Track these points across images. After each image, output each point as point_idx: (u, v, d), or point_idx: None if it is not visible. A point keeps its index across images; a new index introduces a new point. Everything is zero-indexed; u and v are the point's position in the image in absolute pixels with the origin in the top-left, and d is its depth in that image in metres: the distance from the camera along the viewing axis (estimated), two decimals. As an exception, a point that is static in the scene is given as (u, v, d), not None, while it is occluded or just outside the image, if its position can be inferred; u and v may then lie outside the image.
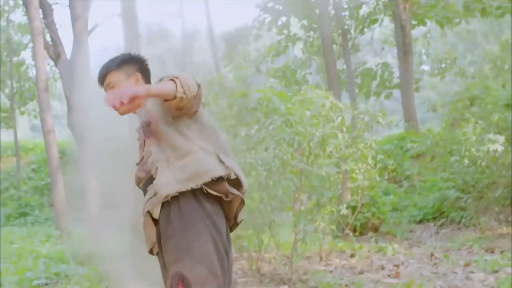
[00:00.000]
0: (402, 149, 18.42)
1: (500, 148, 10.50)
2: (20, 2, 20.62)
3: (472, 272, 7.60)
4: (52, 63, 19.19)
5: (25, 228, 19.67)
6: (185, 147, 3.15)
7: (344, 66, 20.20)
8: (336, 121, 8.90)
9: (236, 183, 3.27)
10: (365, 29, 22.00)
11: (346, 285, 7.29)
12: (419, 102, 29.43)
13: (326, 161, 8.57)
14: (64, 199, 13.91)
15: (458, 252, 9.53)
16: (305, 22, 22.41)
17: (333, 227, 9.73)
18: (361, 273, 8.12)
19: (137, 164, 3.39)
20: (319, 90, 9.40)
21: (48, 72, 19.48)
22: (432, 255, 9.21)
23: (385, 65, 23.07)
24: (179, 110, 3.07)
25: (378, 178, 10.10)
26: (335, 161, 9.02)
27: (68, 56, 12.40)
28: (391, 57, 36.20)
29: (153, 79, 3.56)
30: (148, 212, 3.20)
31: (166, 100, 3.01)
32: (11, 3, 23.91)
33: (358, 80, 22.71)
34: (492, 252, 9.18)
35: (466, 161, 11.35)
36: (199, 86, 3.09)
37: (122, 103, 2.89)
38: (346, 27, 20.58)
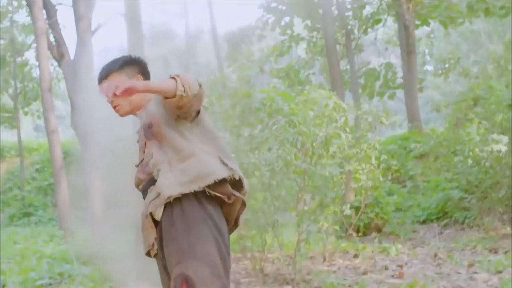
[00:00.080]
0: (406, 149, 18.39)
1: (503, 149, 10.48)
2: (24, 3, 20.67)
3: (475, 272, 7.59)
4: (55, 63, 19.21)
5: (29, 228, 19.69)
6: (188, 150, 3.15)
7: (348, 66, 20.17)
8: (339, 121, 8.90)
9: (237, 185, 3.27)
10: (369, 29, 21.99)
11: (349, 286, 7.29)
12: (422, 102, 29.38)
13: (329, 161, 8.57)
14: (68, 199, 13.92)
15: (461, 253, 9.52)
16: (308, 22, 22.39)
17: (337, 227, 9.72)
18: (364, 273, 8.11)
19: (137, 166, 3.39)
20: (323, 90, 9.41)
21: (51, 72, 19.51)
22: (435, 255, 9.21)
23: (389, 65, 23.04)
24: (179, 109, 3.06)
25: (381, 179, 10.10)
26: (339, 161, 9.02)
27: (72, 57, 12.43)
28: (395, 57, 36.16)
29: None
30: (150, 214, 3.20)
31: (166, 98, 3.01)
32: (15, 3, 23.94)
33: (362, 80, 22.68)
34: (495, 252, 9.17)
35: (469, 161, 11.33)
36: (200, 85, 3.08)
37: (114, 94, 2.89)
38: (349, 27, 20.56)
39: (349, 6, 21.59)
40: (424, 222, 13.58)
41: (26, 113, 26.36)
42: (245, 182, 3.31)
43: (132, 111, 3.43)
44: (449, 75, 27.82)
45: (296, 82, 23.23)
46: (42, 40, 13.77)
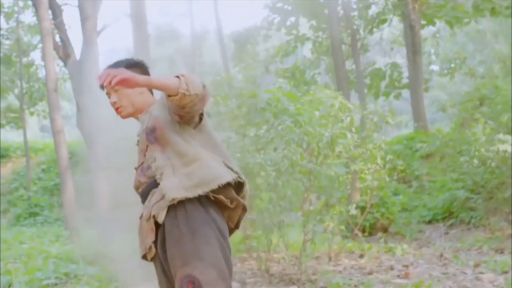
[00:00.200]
0: (412, 149, 18.38)
1: (509, 149, 10.46)
2: (30, 3, 20.71)
3: (481, 272, 7.58)
4: (61, 63, 19.24)
5: (35, 228, 19.74)
6: (192, 154, 3.15)
7: (353, 66, 20.16)
8: (345, 121, 8.89)
9: (238, 188, 3.28)
10: (374, 29, 21.96)
11: (355, 286, 7.29)
12: (428, 102, 29.35)
13: (335, 161, 8.57)
14: (74, 199, 13.93)
15: (467, 253, 9.51)
16: (314, 22, 22.39)
17: (342, 227, 9.72)
18: (370, 273, 8.11)
19: (136, 169, 3.39)
20: (328, 90, 9.40)
21: (57, 72, 19.52)
22: (441, 255, 9.20)
23: (394, 65, 23.00)
24: (182, 108, 3.06)
25: (387, 179, 10.09)
26: (344, 161, 9.02)
27: (78, 57, 12.44)
28: (400, 57, 36.13)
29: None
30: (153, 216, 3.19)
31: (169, 96, 3.00)
32: (21, 4, 24.00)
33: (367, 80, 22.65)
34: (501, 252, 9.16)
35: (475, 161, 11.32)
36: (204, 86, 3.08)
37: (109, 83, 2.89)
38: (355, 27, 20.54)
39: (354, 6, 21.57)
40: (430, 222, 13.57)
41: (32, 113, 26.39)
42: (247, 186, 3.33)
43: (134, 114, 3.42)
44: (455, 75, 27.78)
45: (302, 82, 23.21)
46: (48, 40, 13.79)
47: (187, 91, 2.96)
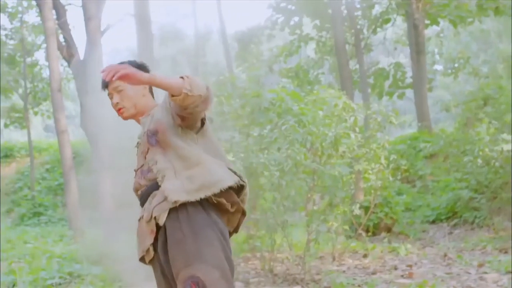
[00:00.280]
0: (415, 149, 18.37)
1: (513, 148, 10.47)
2: (34, 3, 20.72)
3: (485, 272, 7.58)
4: (65, 63, 19.26)
5: (39, 228, 19.76)
6: (194, 158, 3.16)
7: (357, 66, 20.18)
8: (349, 121, 8.89)
9: (237, 190, 3.29)
10: (378, 29, 21.94)
11: (359, 285, 7.29)
12: (432, 102, 29.29)
13: (339, 161, 8.57)
14: (78, 199, 13.95)
15: (471, 253, 9.50)
16: (317, 22, 22.40)
17: (346, 227, 9.72)
18: (374, 273, 8.11)
19: (135, 171, 3.39)
20: (332, 90, 9.39)
21: (61, 72, 19.55)
22: (445, 255, 9.19)
23: (398, 65, 23.00)
24: (184, 109, 3.06)
25: (391, 178, 10.09)
26: (348, 161, 9.02)
27: (81, 57, 12.46)
28: (404, 57, 36.09)
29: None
30: (154, 218, 3.19)
31: (172, 96, 3.01)
32: (25, 4, 24.04)
33: (371, 80, 22.65)
34: (506, 252, 9.15)
35: (479, 161, 11.32)
36: (207, 88, 3.08)
37: (112, 77, 2.89)
38: (358, 27, 20.55)
39: (358, 6, 21.58)
40: (433, 222, 13.55)
41: (36, 113, 26.42)
42: (247, 189, 3.34)
43: (136, 116, 3.42)
44: (459, 74, 27.75)
45: (306, 82, 23.21)
46: (52, 40, 13.81)
47: (190, 91, 2.96)
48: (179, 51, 38.17)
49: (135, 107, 3.39)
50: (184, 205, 3.09)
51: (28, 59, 24.83)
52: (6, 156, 26.86)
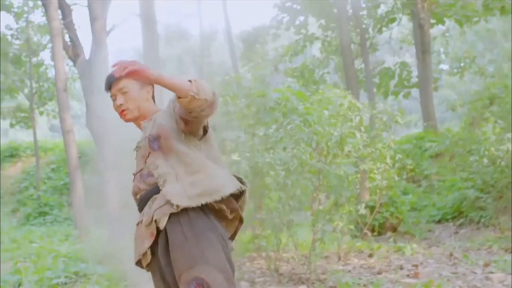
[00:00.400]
0: (421, 148, 18.35)
1: (519, 148, 10.44)
2: (40, 3, 20.75)
3: (491, 272, 7.57)
4: (71, 63, 19.31)
5: (44, 227, 19.79)
6: (197, 164, 3.17)
7: (362, 66, 20.14)
8: (354, 121, 8.88)
9: (236, 195, 3.30)
10: (383, 28, 21.91)
11: (364, 285, 7.28)
12: (437, 101, 29.28)
13: (344, 160, 8.57)
14: (83, 198, 13.96)
15: (477, 252, 9.49)
16: (323, 21, 22.37)
17: (352, 226, 9.71)
18: (379, 273, 8.10)
19: (134, 174, 3.40)
20: (337, 89, 9.39)
21: (67, 72, 19.56)
22: (451, 255, 9.18)
23: (404, 64, 22.96)
24: (190, 112, 3.06)
25: (396, 178, 10.08)
26: (353, 161, 9.02)
27: (87, 57, 12.48)
28: (410, 56, 36.08)
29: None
30: (154, 221, 3.18)
31: (179, 98, 3.00)
32: (31, 4, 24.08)
33: (376, 80, 22.62)
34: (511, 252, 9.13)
35: (485, 160, 11.29)
36: (214, 93, 3.09)
37: (122, 73, 2.90)
38: (364, 26, 20.52)
39: (363, 5, 21.54)
40: (439, 221, 13.52)
41: (41, 113, 26.45)
42: (246, 194, 3.35)
43: (138, 119, 3.41)
44: (465, 74, 27.69)
45: (311, 81, 23.19)
46: (57, 40, 13.83)
47: (197, 94, 2.97)
48: (185, 51, 38.23)
49: (139, 109, 3.38)
50: (186, 209, 3.10)
51: (34, 59, 24.87)
52: (12, 155, 26.92)
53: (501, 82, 15.97)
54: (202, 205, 3.11)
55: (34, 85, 24.88)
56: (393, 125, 9.72)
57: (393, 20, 21.70)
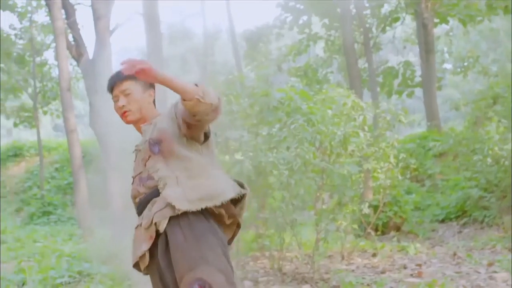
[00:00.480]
0: (425, 148, 18.34)
1: (523, 147, 10.43)
2: (43, 3, 20.79)
3: (495, 271, 7.56)
4: (74, 63, 19.29)
5: (48, 227, 19.81)
6: (197, 168, 3.19)
7: (366, 65, 20.13)
8: (357, 120, 8.87)
9: (236, 200, 3.31)
10: (387, 28, 21.90)
11: (368, 285, 7.28)
12: (441, 100, 29.26)
13: (347, 160, 8.56)
14: (87, 198, 13.97)
15: (481, 252, 9.48)
16: (326, 21, 22.36)
17: (355, 226, 9.70)
18: (383, 272, 8.10)
19: (133, 177, 3.40)
20: (341, 89, 9.38)
21: (70, 72, 19.58)
22: (454, 254, 9.18)
23: (407, 64, 22.95)
24: (193, 116, 3.07)
25: (400, 177, 10.07)
26: (357, 160, 9.01)
27: (91, 56, 12.49)
28: (413, 56, 36.02)
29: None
30: (154, 224, 3.18)
31: (184, 100, 3.01)
32: (34, 3, 24.09)
33: (380, 79, 22.60)
34: (515, 251, 9.13)
35: (489, 160, 11.29)
36: (219, 99, 3.09)
37: (130, 70, 2.91)
38: (367, 25, 20.50)
39: (367, 5, 21.52)
40: (443, 221, 13.52)
41: (45, 113, 26.48)
42: (245, 201, 3.36)
43: (139, 121, 3.41)
44: (468, 73, 27.68)
45: (314, 81, 23.18)
46: (61, 40, 13.83)
47: (202, 98, 2.98)
48: (188, 50, 38.20)
49: (140, 112, 3.39)
50: (186, 213, 3.11)
51: (38, 59, 24.88)
52: (16, 155, 26.98)
53: (505, 81, 15.96)
54: (202, 209, 3.12)
55: (38, 84, 24.90)
56: (397, 124, 9.71)
57: (396, 19, 21.69)
